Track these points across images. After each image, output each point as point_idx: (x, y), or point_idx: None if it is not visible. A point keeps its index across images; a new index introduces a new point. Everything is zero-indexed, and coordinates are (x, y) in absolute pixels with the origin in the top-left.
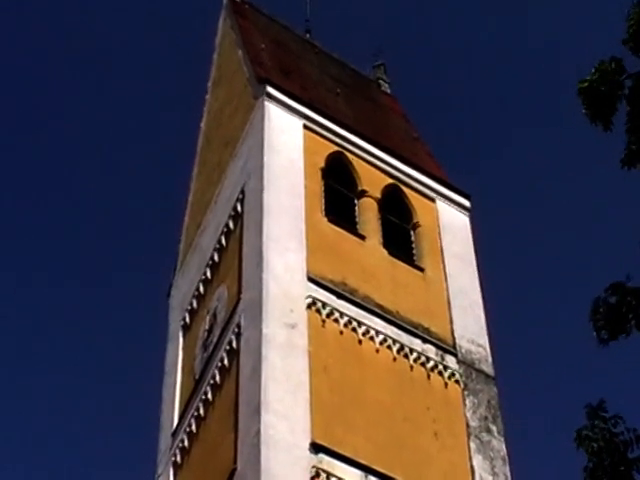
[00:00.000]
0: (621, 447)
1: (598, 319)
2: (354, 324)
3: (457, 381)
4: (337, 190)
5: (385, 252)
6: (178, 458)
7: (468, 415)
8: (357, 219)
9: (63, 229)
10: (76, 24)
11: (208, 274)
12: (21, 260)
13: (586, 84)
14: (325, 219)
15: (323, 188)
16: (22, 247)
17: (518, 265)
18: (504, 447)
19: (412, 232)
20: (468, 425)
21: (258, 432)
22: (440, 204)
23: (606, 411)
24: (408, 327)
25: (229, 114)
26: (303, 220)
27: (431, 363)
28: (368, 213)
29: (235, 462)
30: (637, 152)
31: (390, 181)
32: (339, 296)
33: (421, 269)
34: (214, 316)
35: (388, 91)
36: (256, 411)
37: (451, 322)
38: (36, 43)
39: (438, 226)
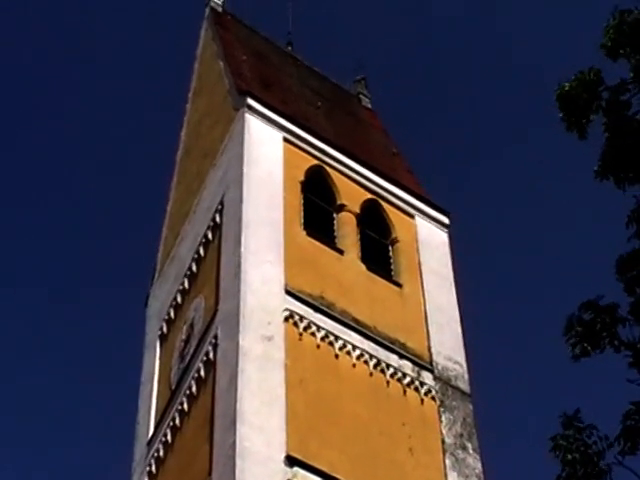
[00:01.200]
0: (595, 458)
1: (572, 336)
2: (331, 338)
3: (433, 397)
4: (316, 204)
5: (363, 267)
6: (153, 468)
7: (444, 432)
8: (336, 233)
9: (41, 235)
10: (61, 31)
11: (186, 284)
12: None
13: (565, 90)
14: (304, 232)
15: (302, 201)
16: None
17: (496, 282)
18: (479, 464)
19: (390, 247)
20: (443, 442)
21: (233, 444)
22: (419, 220)
23: (581, 421)
24: (385, 342)
25: (209, 125)
26: (282, 233)
27: (407, 379)
28: (347, 227)
29: (210, 473)
30: (611, 164)
31: (369, 196)
32: (316, 310)
33: (399, 285)
34: (191, 326)
35: (369, 106)
36: (232, 423)
37: (428, 338)
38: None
39: (416, 242)
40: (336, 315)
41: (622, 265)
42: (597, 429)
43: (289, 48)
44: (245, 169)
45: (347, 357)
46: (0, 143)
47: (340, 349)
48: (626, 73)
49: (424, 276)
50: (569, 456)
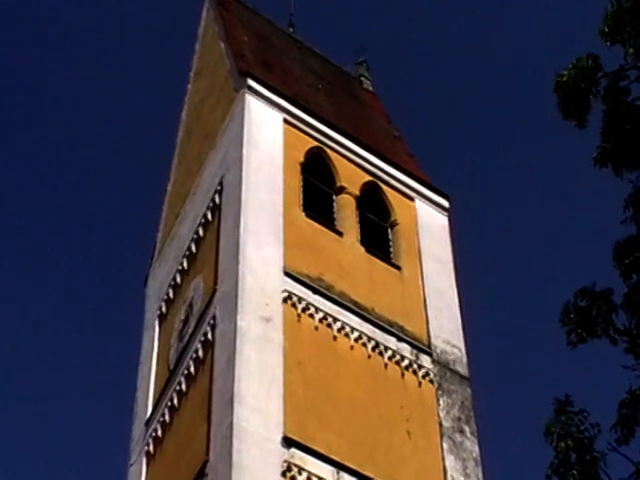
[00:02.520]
0: (587, 442)
1: (568, 322)
2: (329, 320)
3: (431, 381)
4: (316, 186)
5: (362, 249)
6: (151, 448)
7: (441, 415)
8: (335, 215)
9: (40, 215)
10: (58, 13)
11: (185, 264)
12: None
13: (564, 79)
14: (303, 214)
15: (302, 183)
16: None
17: (495, 266)
18: (477, 448)
19: (390, 230)
20: (441, 425)
21: (231, 425)
22: (419, 203)
23: (572, 406)
24: (383, 325)
25: (210, 106)
26: (281, 215)
27: (406, 362)
28: (346, 210)
29: (207, 454)
30: (610, 151)
31: (369, 178)
32: (315, 291)
33: (398, 267)
34: (190, 306)
35: (370, 88)
36: (229, 404)
37: (427, 322)
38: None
39: (416, 225)
40: (335, 297)
41: (619, 251)
42: (588, 413)
43: (291, 30)
44: (245, 150)
45: (345, 339)
46: None
47: (338, 331)
48: (624, 61)
49: (423, 259)
50: (562, 444)
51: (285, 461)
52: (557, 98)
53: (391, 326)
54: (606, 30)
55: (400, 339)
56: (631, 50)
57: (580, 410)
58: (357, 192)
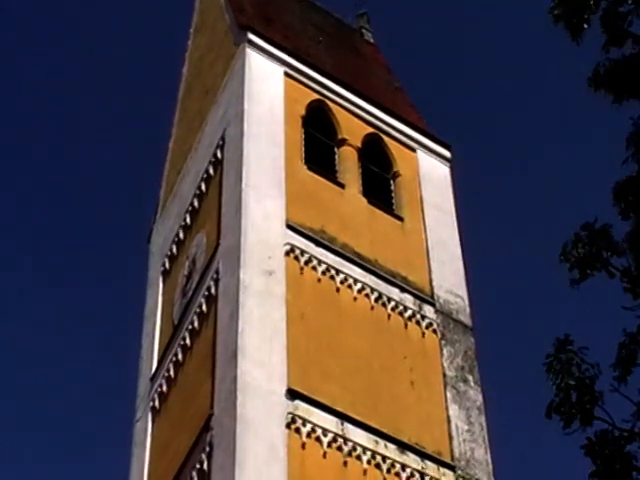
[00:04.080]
0: (588, 382)
1: (569, 258)
2: (332, 272)
3: (434, 331)
4: (317, 138)
5: (365, 201)
6: (157, 403)
7: (445, 365)
8: (337, 167)
9: (44, 177)
10: None
11: (188, 220)
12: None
13: None
14: (305, 167)
15: (303, 136)
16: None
17: (496, 215)
18: (480, 397)
19: (392, 181)
20: (445, 375)
21: (235, 378)
22: (420, 154)
23: (573, 345)
24: (386, 276)
25: (210, 61)
26: (283, 168)
27: (409, 312)
28: (348, 162)
29: (212, 408)
30: (605, 76)
31: (370, 130)
32: (318, 244)
33: (400, 218)
34: (193, 262)
35: (371, 40)
36: (233, 357)
37: (429, 272)
38: None
39: (418, 176)
40: (337, 249)
41: (620, 190)
42: (587, 349)
43: None
44: (246, 104)
45: (348, 291)
46: None
47: (341, 283)
48: None
49: (425, 210)
50: (563, 383)
51: (289, 413)
52: (553, 13)
53: (394, 277)
54: None
55: (403, 290)
56: None
57: (580, 348)
58: (359, 144)
